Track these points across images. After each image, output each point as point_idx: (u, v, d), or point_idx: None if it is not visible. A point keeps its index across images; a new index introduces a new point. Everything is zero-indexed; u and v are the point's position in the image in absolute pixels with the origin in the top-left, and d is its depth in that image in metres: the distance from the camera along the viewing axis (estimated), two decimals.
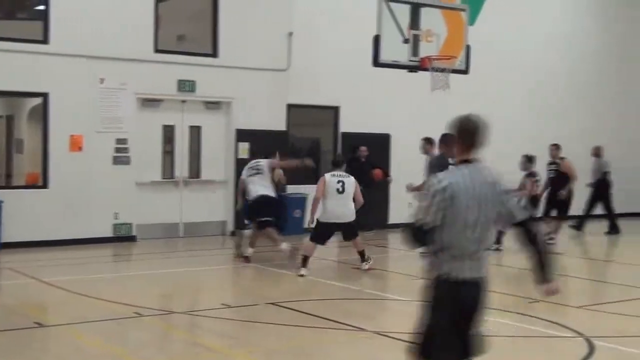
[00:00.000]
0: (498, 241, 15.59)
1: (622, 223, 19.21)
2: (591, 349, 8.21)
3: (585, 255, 16.80)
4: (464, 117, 5.24)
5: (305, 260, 12.57)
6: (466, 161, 5.12)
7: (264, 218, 13.48)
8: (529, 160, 16.12)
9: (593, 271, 14.53)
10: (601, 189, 18.94)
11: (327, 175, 12.67)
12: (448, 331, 5.04)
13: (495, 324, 9.52)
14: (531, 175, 15.97)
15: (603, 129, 22.99)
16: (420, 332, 5.17)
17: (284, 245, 13.28)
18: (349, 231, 12.78)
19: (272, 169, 13.90)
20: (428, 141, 14.27)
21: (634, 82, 24.11)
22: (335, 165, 12.93)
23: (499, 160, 19.06)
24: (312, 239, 12.77)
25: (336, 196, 12.44)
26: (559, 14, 22.48)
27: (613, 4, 23.67)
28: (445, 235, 4.98)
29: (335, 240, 13.72)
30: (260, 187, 13.57)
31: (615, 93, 23.62)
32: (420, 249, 5.49)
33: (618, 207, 19.61)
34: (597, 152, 19.30)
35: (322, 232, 12.70)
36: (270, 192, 13.63)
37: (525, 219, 5.15)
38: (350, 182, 12.58)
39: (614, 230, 18.78)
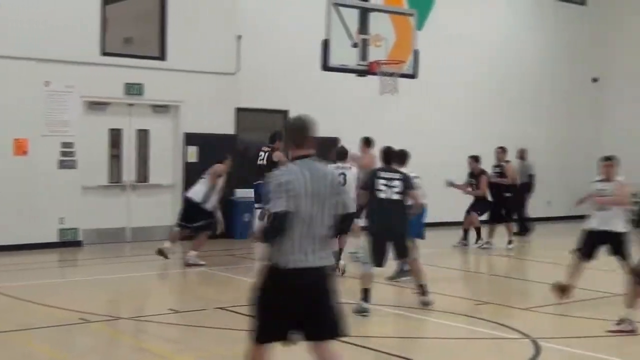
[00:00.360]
0: (478, 237, 16.14)
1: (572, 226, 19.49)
2: (537, 350, 8.32)
3: (529, 257, 17.00)
4: (296, 118, 5.80)
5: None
6: (301, 157, 5.56)
7: (178, 221, 14.20)
8: (475, 160, 16.44)
9: (537, 273, 14.71)
10: (523, 191, 19.23)
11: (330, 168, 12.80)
12: (280, 316, 5.45)
13: (444, 326, 9.62)
14: (483, 173, 16.34)
15: (554, 130, 23.40)
16: (256, 318, 5.55)
17: (192, 254, 13.77)
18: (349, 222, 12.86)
19: (216, 176, 13.95)
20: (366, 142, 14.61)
21: (584, 83, 24.54)
22: (339, 158, 13.04)
23: (446, 162, 19.36)
24: None
25: None
26: (503, 18, 22.76)
27: (553, 9, 24.07)
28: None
29: None
30: (192, 188, 14.12)
31: (565, 93, 23.99)
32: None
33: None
34: (521, 155, 19.63)
35: None
36: (193, 195, 13.96)
37: (351, 213, 5.73)
38: (352, 173, 12.77)
39: (523, 230, 19.07)
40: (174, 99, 17.06)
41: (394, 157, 10.67)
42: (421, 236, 12.75)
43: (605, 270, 12.94)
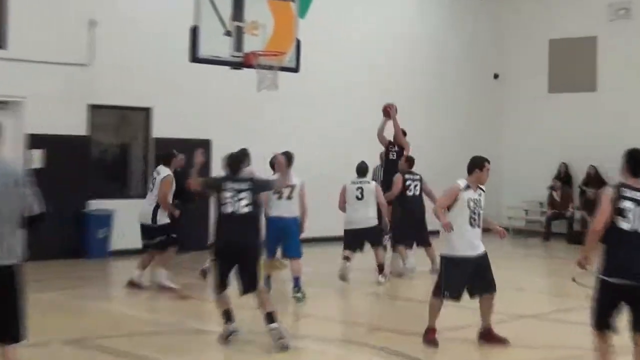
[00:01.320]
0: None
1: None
2: None
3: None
4: None
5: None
6: None
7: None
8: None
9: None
10: None
11: (347, 183, 14.40)
12: None
13: (329, 355, 9.55)
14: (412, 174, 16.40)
15: (453, 128, 23.80)
16: None
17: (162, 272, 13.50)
18: (372, 237, 14.37)
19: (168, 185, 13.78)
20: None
21: (485, 79, 25.12)
22: (359, 173, 14.46)
23: (339, 163, 19.24)
24: (345, 249, 14.31)
25: (355, 202, 14.21)
26: (398, 10, 23.03)
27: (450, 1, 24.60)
28: None
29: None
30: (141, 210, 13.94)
31: (466, 90, 24.45)
32: None
33: None
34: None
35: (350, 241, 14.36)
36: (143, 220, 13.72)
37: (40, 213, 6.56)
38: (370, 187, 14.35)
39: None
40: (15, 94, 16.45)
41: (240, 164, 10.33)
42: (298, 254, 12.73)
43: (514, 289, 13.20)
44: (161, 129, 18.38)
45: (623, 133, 22.35)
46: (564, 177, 23.00)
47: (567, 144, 23.29)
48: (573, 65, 24.25)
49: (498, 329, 10.17)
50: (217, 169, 18.60)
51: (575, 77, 24.15)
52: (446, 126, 23.82)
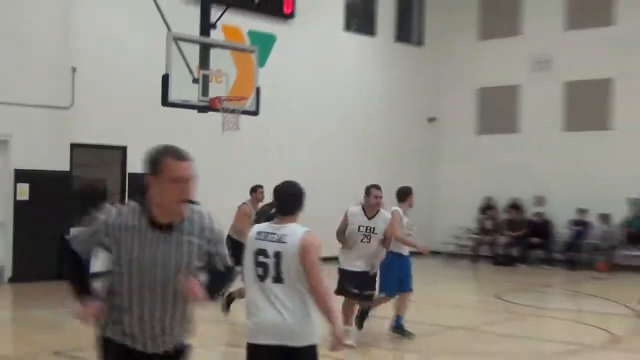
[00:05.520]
0: None
1: None
2: None
3: None
4: None
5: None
6: None
7: None
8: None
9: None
10: None
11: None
12: None
13: None
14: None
15: (388, 171, 24.10)
16: None
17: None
18: None
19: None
20: None
21: (420, 122, 25.55)
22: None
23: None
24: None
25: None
26: (355, 62, 23.41)
27: (392, 49, 25.01)
28: None
29: None
30: None
31: (401, 133, 24.82)
32: None
33: None
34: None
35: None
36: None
37: None
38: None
39: None
40: (3, 133, 16.43)
41: None
42: None
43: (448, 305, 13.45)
44: (135, 165, 18.47)
45: (541, 168, 23.21)
46: (487, 206, 24.18)
47: (491, 178, 24.17)
48: (499, 110, 24.95)
49: (433, 340, 10.41)
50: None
51: (500, 121, 24.87)
52: (381, 163, 23.94)
